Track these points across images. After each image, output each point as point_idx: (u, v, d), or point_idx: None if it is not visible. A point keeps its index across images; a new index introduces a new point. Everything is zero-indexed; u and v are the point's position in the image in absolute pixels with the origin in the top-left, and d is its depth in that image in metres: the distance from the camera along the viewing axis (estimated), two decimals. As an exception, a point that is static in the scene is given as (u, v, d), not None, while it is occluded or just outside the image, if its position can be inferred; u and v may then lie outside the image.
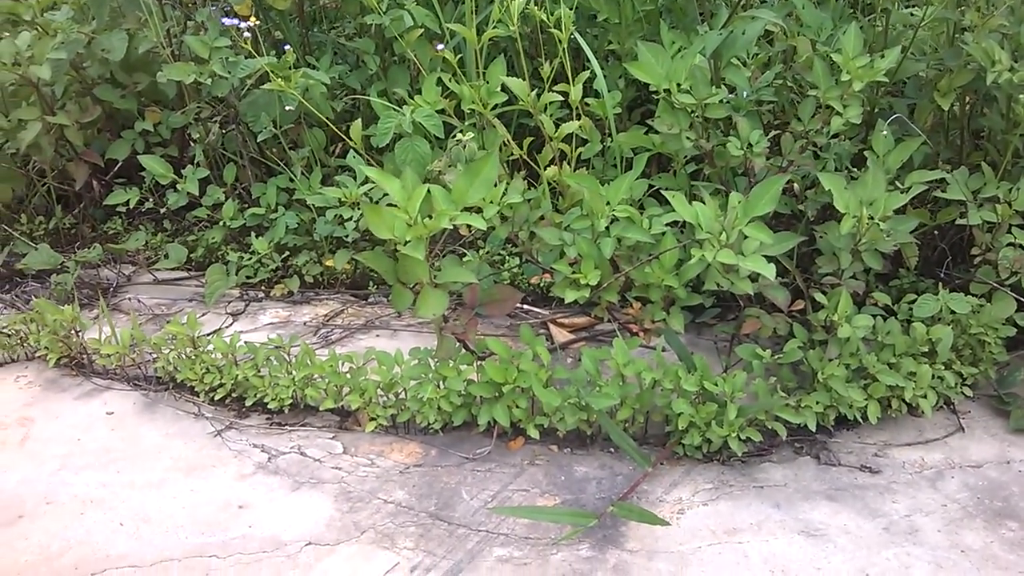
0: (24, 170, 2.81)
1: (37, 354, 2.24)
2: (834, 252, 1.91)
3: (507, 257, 2.51)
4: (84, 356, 2.21)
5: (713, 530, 1.73)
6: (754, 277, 1.91)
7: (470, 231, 2.59)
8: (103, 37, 2.53)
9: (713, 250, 1.67)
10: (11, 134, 2.54)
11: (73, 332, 2.17)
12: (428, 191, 1.87)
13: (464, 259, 2.50)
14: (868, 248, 1.87)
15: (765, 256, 1.74)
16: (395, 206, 1.88)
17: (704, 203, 1.76)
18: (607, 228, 1.94)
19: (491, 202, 2.00)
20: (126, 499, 1.84)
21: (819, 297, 1.89)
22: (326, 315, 2.47)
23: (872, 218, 1.81)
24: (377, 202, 2.42)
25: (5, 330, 2.26)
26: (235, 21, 2.23)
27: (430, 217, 1.84)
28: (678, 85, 2.03)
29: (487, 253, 2.54)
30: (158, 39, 2.48)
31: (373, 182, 2.39)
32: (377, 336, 2.38)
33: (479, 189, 1.86)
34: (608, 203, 1.96)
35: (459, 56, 2.62)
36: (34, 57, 2.42)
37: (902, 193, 1.91)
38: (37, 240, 2.72)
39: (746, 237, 1.69)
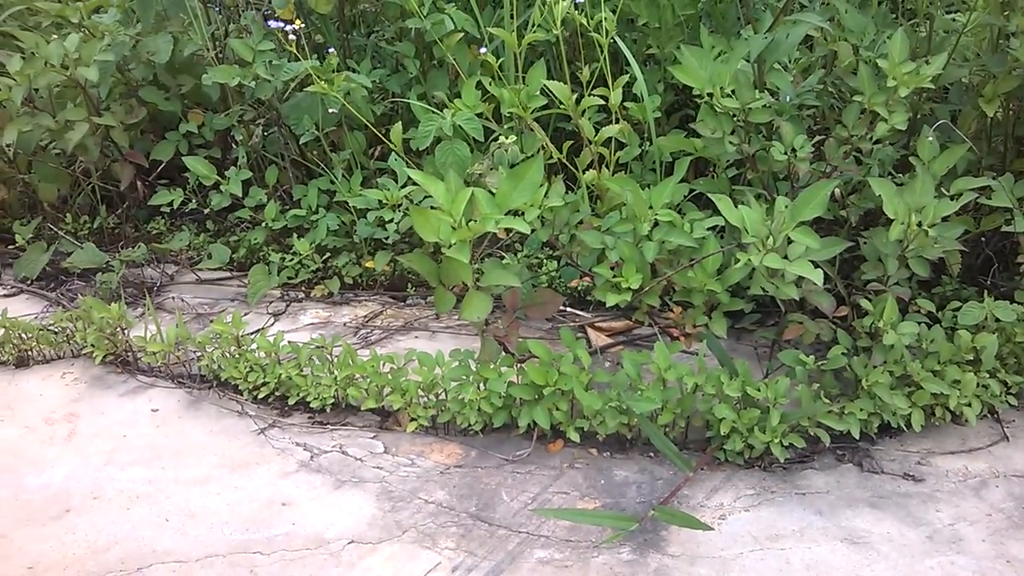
0: (69, 170, 2.86)
1: (83, 351, 2.28)
2: (879, 258, 1.89)
3: (545, 260, 2.52)
4: (129, 354, 2.24)
5: (755, 536, 1.72)
6: (798, 283, 1.90)
7: (508, 234, 2.60)
8: (149, 40, 2.57)
9: (759, 254, 1.66)
10: (58, 135, 2.59)
11: (120, 330, 2.20)
12: (472, 194, 1.88)
13: (503, 262, 2.52)
14: (915, 255, 1.85)
15: (811, 261, 1.74)
16: (437, 209, 1.90)
17: (749, 207, 1.76)
18: (649, 232, 1.94)
19: (532, 205, 2.02)
20: (171, 495, 1.86)
21: (864, 303, 1.88)
22: (365, 316, 2.49)
23: (920, 225, 1.80)
24: (419, 204, 2.44)
25: (52, 327, 2.30)
26: (280, 24, 2.26)
27: (473, 220, 1.85)
28: (721, 89, 2.02)
29: (525, 256, 2.55)
30: (203, 42, 2.52)
31: (415, 184, 2.42)
32: (416, 337, 2.39)
33: (523, 193, 1.87)
34: (651, 207, 1.96)
35: (498, 61, 2.63)
36: (82, 59, 2.46)
37: (952, 200, 1.89)
38: (81, 239, 2.76)
39: (792, 242, 1.68)
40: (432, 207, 1.93)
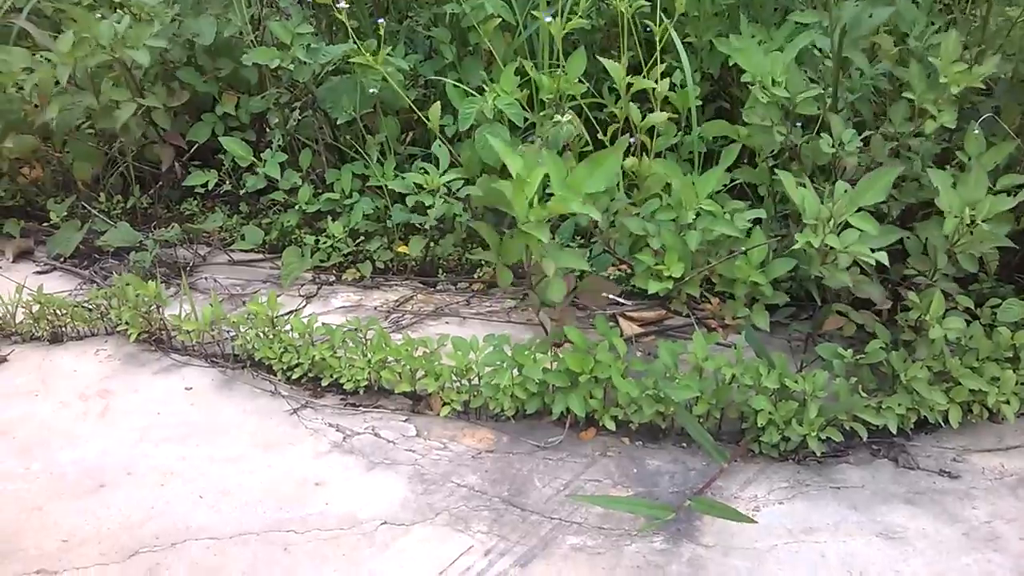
0: (103, 150, 2.88)
1: (117, 329, 2.29)
2: (924, 252, 1.87)
3: (577, 248, 2.51)
4: (164, 332, 2.25)
5: (790, 529, 1.71)
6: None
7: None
8: (191, 21, 2.58)
9: (819, 236, 1.64)
10: (102, 114, 2.60)
11: (155, 308, 2.21)
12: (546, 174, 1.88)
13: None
14: (964, 250, 1.83)
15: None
16: (515, 184, 1.89)
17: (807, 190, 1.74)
18: (693, 221, 1.93)
19: (600, 194, 2.00)
20: (205, 472, 1.87)
21: (911, 297, 1.86)
22: (396, 301, 2.49)
23: (974, 220, 1.77)
24: (458, 191, 2.44)
25: (87, 304, 2.31)
26: None
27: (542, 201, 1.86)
28: (773, 78, 2.00)
29: (560, 244, 2.53)
30: (243, 23, 2.52)
31: (457, 168, 2.42)
32: (446, 323, 2.39)
33: (598, 180, 1.87)
34: (697, 195, 1.94)
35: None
36: (131, 41, 2.46)
37: (1008, 196, 1.86)
38: (114, 219, 2.78)
39: (847, 227, 1.67)
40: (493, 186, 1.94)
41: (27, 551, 1.69)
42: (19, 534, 1.73)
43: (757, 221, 2.13)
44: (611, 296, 2.24)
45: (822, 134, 2.07)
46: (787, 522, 1.72)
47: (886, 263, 1.67)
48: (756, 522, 1.68)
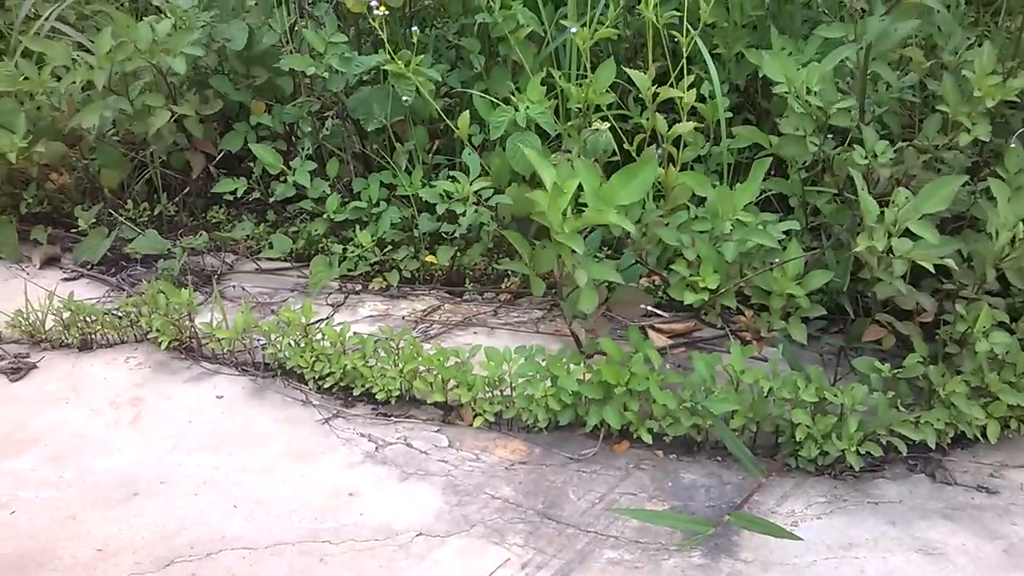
0: (131, 157, 2.88)
1: (147, 336, 2.29)
2: (970, 264, 1.86)
3: (604, 259, 2.50)
4: (194, 340, 2.25)
5: (828, 544, 1.69)
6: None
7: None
8: (223, 27, 2.58)
9: (881, 241, 1.64)
10: (135, 120, 2.60)
11: (187, 316, 2.21)
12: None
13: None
14: (1014, 265, 1.82)
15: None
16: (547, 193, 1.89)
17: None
18: (730, 232, 1.92)
19: (631, 206, 2.00)
20: (238, 482, 1.87)
21: (959, 309, 1.85)
22: (423, 310, 2.48)
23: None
24: (488, 200, 2.44)
25: (116, 312, 2.31)
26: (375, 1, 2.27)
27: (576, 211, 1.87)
28: (807, 88, 2.00)
29: (590, 255, 2.53)
30: (283, 29, 2.53)
31: (486, 177, 2.42)
32: (475, 333, 2.38)
33: (632, 192, 1.87)
34: (735, 206, 1.94)
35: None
36: (169, 47, 2.47)
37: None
38: (141, 226, 2.78)
39: (904, 234, 1.67)
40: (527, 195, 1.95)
41: (62, 559, 1.68)
42: (54, 542, 1.72)
43: (789, 232, 2.12)
44: (647, 308, 2.23)
45: (855, 145, 2.07)
46: (826, 537, 1.71)
47: (956, 268, 1.67)
48: (800, 538, 1.66)
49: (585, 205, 1.97)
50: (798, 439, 1.78)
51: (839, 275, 2.09)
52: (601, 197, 1.89)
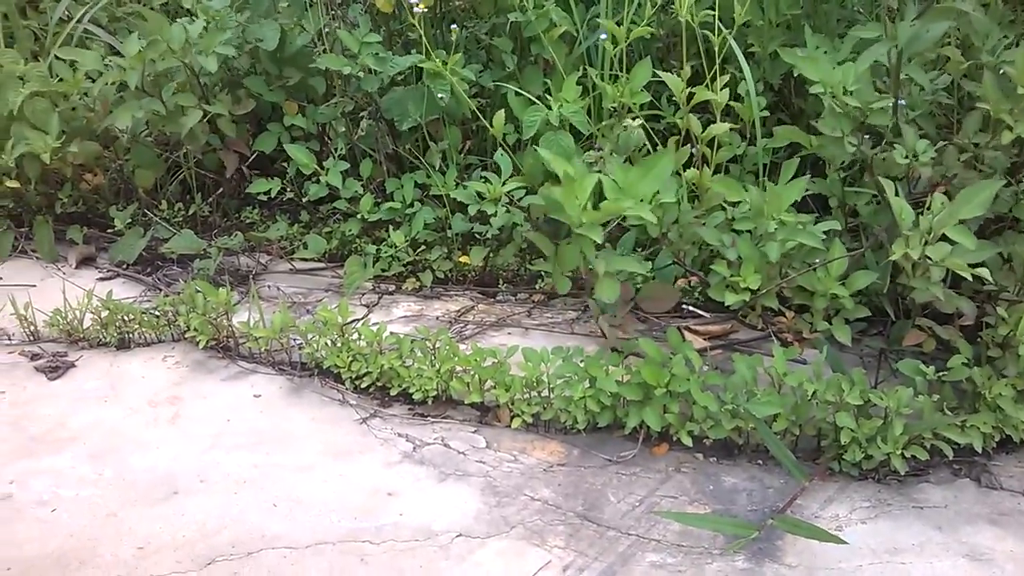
0: (165, 157, 2.90)
1: (185, 335, 2.30)
2: (1011, 267, 1.83)
3: (639, 261, 2.48)
4: (231, 339, 2.26)
5: (874, 549, 1.67)
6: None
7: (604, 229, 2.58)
8: (255, 27, 2.59)
9: (916, 248, 1.62)
10: (169, 120, 2.62)
11: (224, 315, 2.22)
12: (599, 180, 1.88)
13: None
14: (1056, 268, 1.79)
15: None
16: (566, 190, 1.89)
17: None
18: (774, 231, 1.90)
19: (645, 200, 1.99)
20: (277, 480, 1.87)
21: (1001, 312, 1.82)
22: (457, 311, 2.48)
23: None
24: (520, 200, 2.43)
25: (154, 311, 2.32)
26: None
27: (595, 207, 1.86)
28: (844, 88, 1.98)
29: (616, 251, 2.51)
30: (316, 29, 2.53)
31: (519, 177, 2.41)
32: (509, 334, 2.38)
33: (650, 184, 1.86)
34: (780, 206, 1.92)
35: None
36: (201, 47, 2.48)
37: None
38: (175, 226, 2.79)
39: (940, 239, 1.64)
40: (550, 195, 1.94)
41: (103, 557, 1.69)
42: (95, 540, 1.73)
43: (829, 233, 2.10)
44: (690, 308, 2.22)
45: (895, 145, 2.04)
46: (871, 542, 1.69)
47: (990, 278, 1.64)
48: (846, 542, 1.64)
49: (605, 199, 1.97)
50: (842, 443, 1.76)
51: (880, 277, 2.07)
52: (620, 189, 1.88)
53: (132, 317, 2.29)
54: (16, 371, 2.24)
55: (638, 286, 2.34)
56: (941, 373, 1.86)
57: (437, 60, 2.35)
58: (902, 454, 1.75)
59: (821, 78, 2.02)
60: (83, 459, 1.95)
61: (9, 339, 2.37)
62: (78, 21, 3.07)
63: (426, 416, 2.05)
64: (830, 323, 2.01)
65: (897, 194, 1.91)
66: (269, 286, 2.61)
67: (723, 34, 2.26)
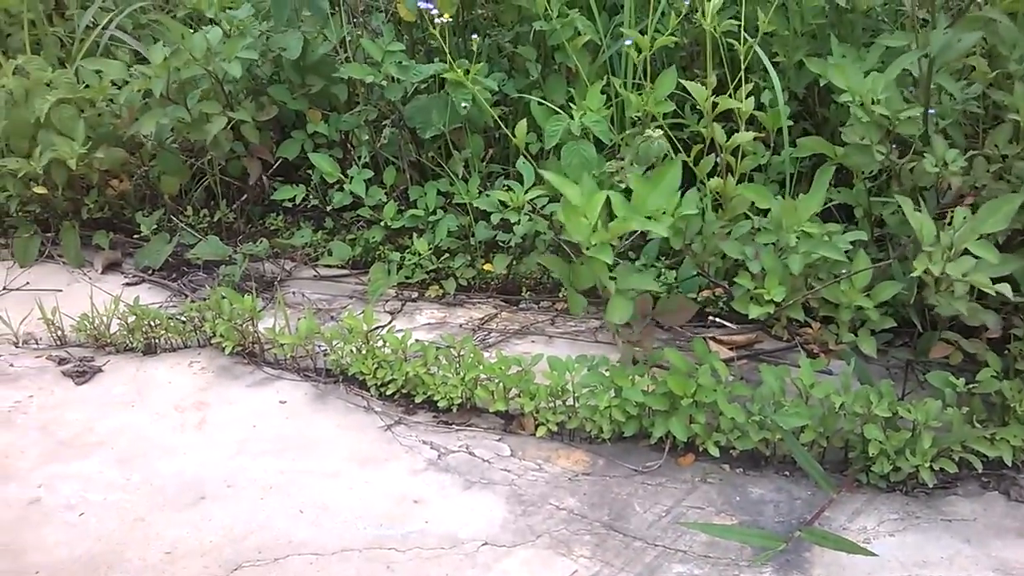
0: (190, 164, 2.92)
1: (211, 341, 2.31)
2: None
3: (663, 270, 2.48)
4: (257, 345, 2.27)
5: (902, 562, 1.66)
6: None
7: (622, 241, 2.58)
8: (279, 36, 2.61)
9: (939, 263, 1.61)
10: (193, 127, 2.64)
11: (250, 321, 2.23)
12: (607, 197, 1.87)
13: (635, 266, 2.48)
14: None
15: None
16: (574, 210, 1.89)
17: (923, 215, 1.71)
18: (795, 244, 1.90)
19: (665, 213, 1.99)
20: (303, 487, 1.87)
21: (1028, 325, 1.81)
22: (480, 319, 2.48)
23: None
24: (543, 208, 2.43)
25: (181, 316, 2.34)
26: (429, 5, 2.27)
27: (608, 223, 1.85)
28: (872, 97, 1.97)
29: (643, 265, 2.51)
30: (338, 38, 2.55)
31: (541, 186, 2.42)
32: (532, 342, 2.38)
33: (660, 197, 1.85)
34: (800, 217, 1.91)
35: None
36: (224, 54, 2.50)
37: None
38: (200, 232, 2.81)
39: (963, 253, 1.63)
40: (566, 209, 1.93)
41: (131, 562, 1.70)
42: (123, 545, 1.74)
43: (855, 243, 2.09)
44: (715, 318, 2.21)
45: (925, 154, 2.04)
46: (899, 555, 1.68)
47: (1010, 296, 1.63)
48: (875, 554, 1.63)
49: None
50: (870, 455, 1.75)
51: (906, 288, 2.06)
52: (631, 207, 1.87)
53: (159, 322, 2.30)
54: (44, 375, 2.26)
55: (657, 297, 2.34)
56: (971, 386, 1.84)
57: (459, 70, 2.36)
58: (931, 467, 1.74)
59: (850, 86, 2.02)
60: (111, 464, 1.96)
61: (37, 343, 2.39)
62: (104, 28, 3.10)
63: (451, 424, 2.05)
64: (856, 334, 1.99)
65: (918, 209, 1.91)
66: (293, 292, 2.62)
67: (748, 43, 2.25)
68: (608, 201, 1.89)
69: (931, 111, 2.15)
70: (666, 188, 1.89)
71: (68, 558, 1.71)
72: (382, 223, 2.61)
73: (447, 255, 2.62)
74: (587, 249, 1.81)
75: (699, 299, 2.43)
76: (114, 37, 3.16)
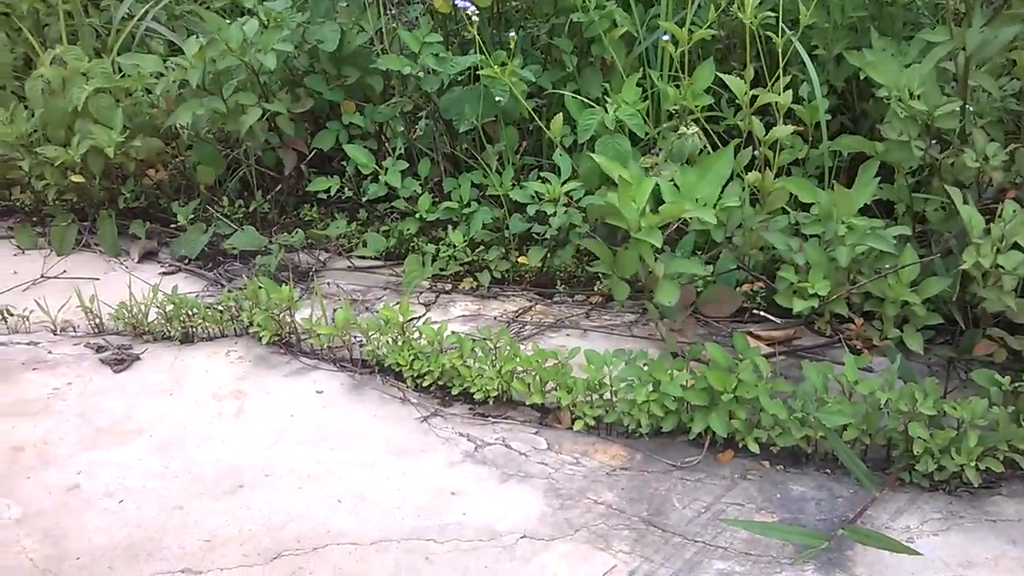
0: (226, 154, 2.93)
1: (248, 330, 2.32)
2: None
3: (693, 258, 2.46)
4: (293, 335, 2.28)
5: (947, 562, 1.64)
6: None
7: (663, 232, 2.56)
8: (316, 28, 2.61)
9: (989, 256, 1.58)
10: (229, 118, 2.65)
11: (287, 311, 2.24)
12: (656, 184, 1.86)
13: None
14: None
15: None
16: (624, 195, 1.88)
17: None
18: (843, 235, 1.87)
19: (707, 204, 1.98)
20: (341, 476, 1.88)
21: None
22: (515, 311, 2.48)
23: None
24: (579, 201, 2.42)
25: (218, 306, 2.35)
26: (467, 4, 2.27)
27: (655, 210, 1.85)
28: (909, 91, 1.94)
29: (676, 254, 2.49)
30: (374, 30, 2.55)
31: (575, 179, 2.41)
32: (567, 335, 2.37)
33: (709, 185, 1.84)
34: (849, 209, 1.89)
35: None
36: (260, 45, 2.51)
37: None
38: (235, 223, 2.83)
39: (1012, 248, 1.61)
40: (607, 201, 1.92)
41: (171, 549, 1.71)
42: (162, 532, 1.75)
43: (898, 238, 2.07)
44: (755, 312, 2.19)
45: (965, 148, 2.00)
46: (943, 555, 1.65)
47: None
48: (919, 553, 1.61)
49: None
50: (915, 453, 1.72)
51: (950, 284, 2.03)
52: (678, 192, 1.86)
53: (196, 311, 2.32)
54: (82, 363, 2.28)
55: (699, 289, 2.32)
56: (1017, 384, 1.81)
57: (495, 63, 2.35)
58: (976, 466, 1.71)
59: (887, 81, 1.99)
60: (149, 451, 1.97)
61: (75, 331, 2.41)
62: (140, 19, 3.12)
63: (487, 416, 2.05)
64: (901, 330, 1.97)
65: (966, 201, 1.88)
66: (328, 283, 2.63)
67: (786, 35, 2.23)
68: (653, 190, 1.89)
69: (969, 108, 2.12)
70: (714, 178, 1.87)
71: (108, 544, 1.72)
72: (417, 215, 2.61)
73: (481, 247, 2.61)
74: (637, 231, 1.80)
75: (727, 287, 2.41)
76: (149, 28, 3.18)
